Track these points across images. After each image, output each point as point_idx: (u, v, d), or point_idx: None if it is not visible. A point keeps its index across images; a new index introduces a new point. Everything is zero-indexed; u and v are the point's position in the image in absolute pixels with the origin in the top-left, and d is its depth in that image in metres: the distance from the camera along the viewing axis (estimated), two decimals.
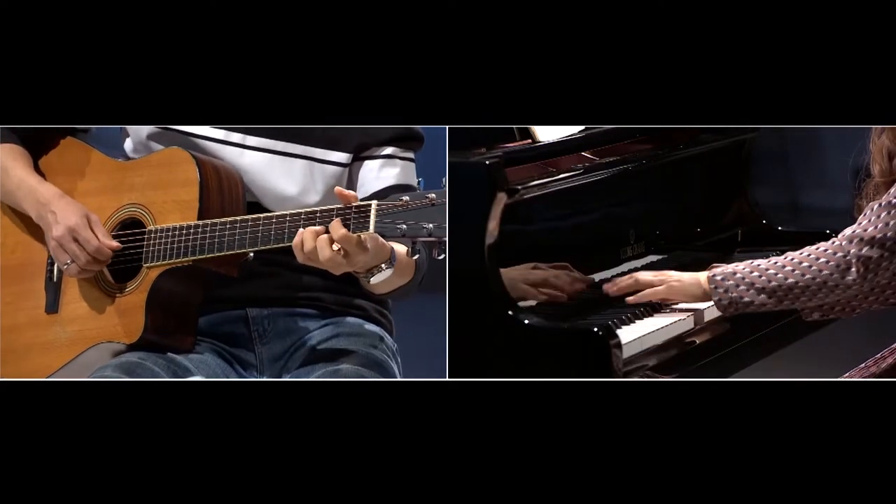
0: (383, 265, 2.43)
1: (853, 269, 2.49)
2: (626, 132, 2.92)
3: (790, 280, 2.52)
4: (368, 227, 2.34)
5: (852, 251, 2.48)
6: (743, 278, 2.55)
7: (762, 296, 2.54)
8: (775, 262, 2.55)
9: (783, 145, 3.86)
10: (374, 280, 2.45)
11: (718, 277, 2.57)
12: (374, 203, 2.34)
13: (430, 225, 2.30)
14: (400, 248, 2.45)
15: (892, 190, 2.51)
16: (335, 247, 2.36)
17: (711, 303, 2.63)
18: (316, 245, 2.37)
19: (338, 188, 2.41)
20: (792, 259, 2.54)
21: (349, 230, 2.35)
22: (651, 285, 2.66)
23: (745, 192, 3.22)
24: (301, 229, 2.39)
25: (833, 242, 2.52)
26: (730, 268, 2.58)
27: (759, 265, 2.56)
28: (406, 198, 2.32)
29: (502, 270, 2.53)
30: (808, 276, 2.51)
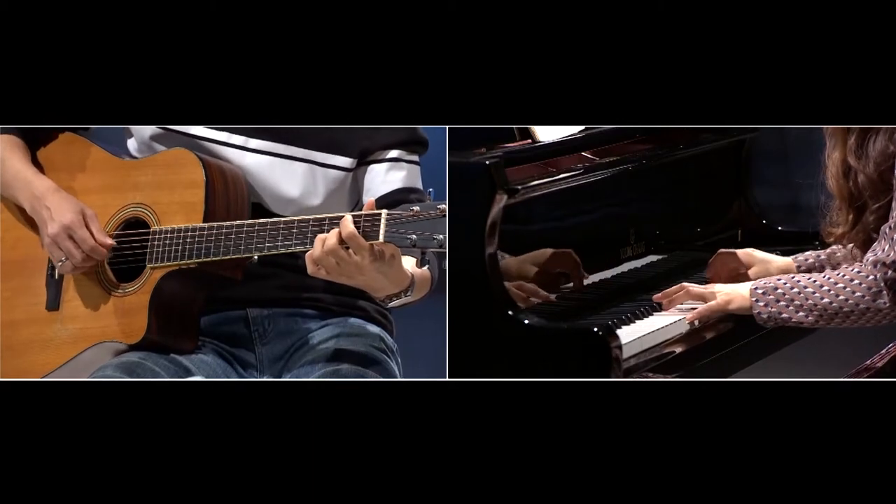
0: (402, 293, 2.44)
1: (885, 293, 2.50)
2: (626, 132, 2.92)
3: (825, 300, 2.54)
4: (378, 236, 2.33)
5: (878, 276, 2.50)
6: (784, 294, 2.58)
7: (800, 313, 2.57)
8: (814, 281, 2.56)
9: (783, 145, 3.86)
10: (391, 305, 2.47)
11: (760, 291, 2.60)
12: (384, 212, 2.33)
13: (441, 236, 2.30)
14: (417, 271, 2.45)
15: None
16: (351, 251, 2.34)
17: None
18: (323, 246, 2.34)
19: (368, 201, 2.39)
20: (828, 278, 2.56)
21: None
22: (702, 297, 2.67)
23: (745, 192, 3.22)
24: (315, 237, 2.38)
25: (863, 265, 2.53)
26: (772, 282, 2.60)
27: (798, 281, 2.58)
28: (416, 208, 2.31)
29: (510, 258, 2.55)
30: (841, 296, 2.53)
